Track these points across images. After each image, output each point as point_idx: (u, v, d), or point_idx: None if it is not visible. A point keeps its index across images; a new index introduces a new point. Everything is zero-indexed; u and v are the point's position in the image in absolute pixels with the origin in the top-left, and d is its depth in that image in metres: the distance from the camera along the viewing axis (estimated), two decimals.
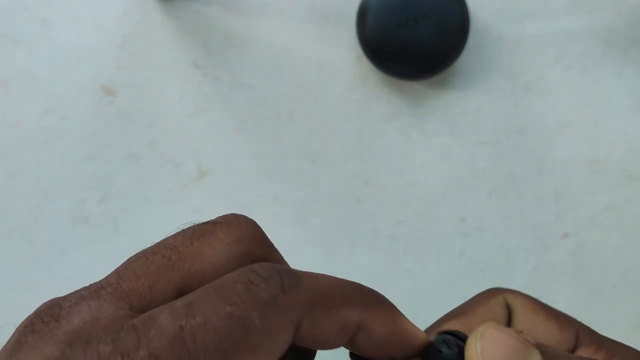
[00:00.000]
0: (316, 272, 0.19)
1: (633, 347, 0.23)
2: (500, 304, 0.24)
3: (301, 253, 0.40)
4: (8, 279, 0.42)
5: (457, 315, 0.24)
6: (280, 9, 0.42)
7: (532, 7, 0.42)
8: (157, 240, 0.20)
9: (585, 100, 0.42)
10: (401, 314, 0.20)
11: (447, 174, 0.42)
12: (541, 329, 0.23)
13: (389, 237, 0.42)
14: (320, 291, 0.18)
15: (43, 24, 0.43)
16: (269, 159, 0.42)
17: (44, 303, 0.18)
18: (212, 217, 0.21)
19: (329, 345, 0.19)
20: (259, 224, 0.21)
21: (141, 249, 0.20)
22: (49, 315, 0.18)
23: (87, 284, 0.19)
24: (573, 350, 0.23)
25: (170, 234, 0.20)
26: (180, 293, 0.18)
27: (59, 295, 0.19)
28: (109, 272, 0.19)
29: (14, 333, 0.18)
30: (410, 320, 0.21)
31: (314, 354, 0.22)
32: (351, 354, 0.21)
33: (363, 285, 0.20)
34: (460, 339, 0.21)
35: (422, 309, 0.24)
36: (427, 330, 0.24)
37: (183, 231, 0.20)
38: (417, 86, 0.42)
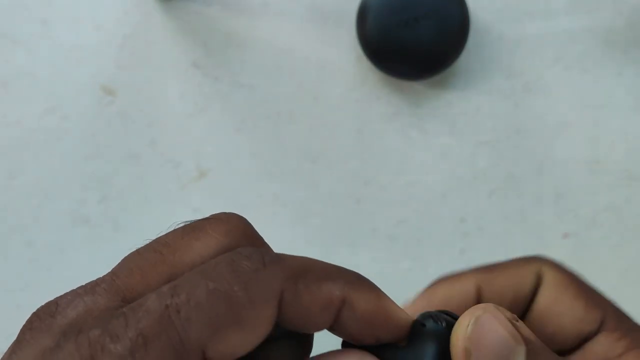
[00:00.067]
0: None
1: None
2: (531, 273, 0.23)
3: (301, 253, 0.40)
4: (8, 279, 0.42)
5: (483, 270, 0.24)
6: (280, 9, 0.42)
7: (532, 7, 0.42)
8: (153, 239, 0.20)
9: (585, 100, 0.42)
10: (386, 295, 0.20)
11: (447, 174, 0.42)
12: (565, 307, 0.22)
13: (389, 237, 0.42)
14: (302, 267, 0.19)
15: (43, 24, 0.43)
16: (269, 159, 0.42)
17: (44, 304, 0.19)
18: None
19: (315, 323, 0.19)
20: (259, 224, 0.21)
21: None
22: (46, 312, 0.18)
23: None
24: (595, 333, 0.22)
25: (164, 232, 0.20)
26: None
27: (58, 296, 0.19)
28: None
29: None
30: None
31: (310, 344, 0.22)
32: (343, 343, 0.21)
33: (346, 268, 0.20)
34: (451, 317, 0.21)
35: None
36: (449, 280, 0.24)
37: (175, 229, 0.20)
38: (417, 86, 0.42)
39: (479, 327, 0.19)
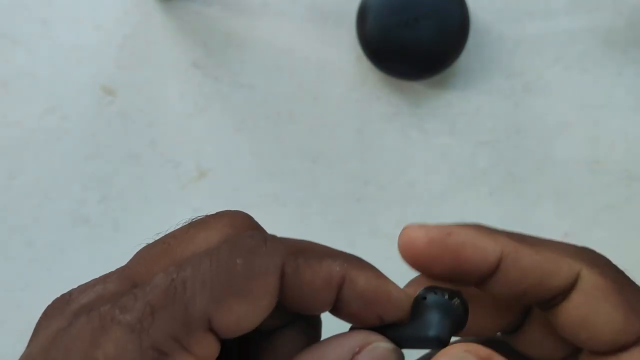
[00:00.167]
0: None
1: None
2: (569, 270, 0.20)
3: None
4: (8, 279, 0.42)
5: (517, 238, 0.22)
6: (280, 9, 0.42)
7: (532, 7, 0.42)
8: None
9: (585, 100, 0.42)
10: (385, 275, 0.20)
11: (447, 174, 0.42)
12: (602, 318, 0.20)
13: (389, 237, 0.42)
14: (302, 245, 0.20)
15: (43, 24, 0.43)
16: (269, 159, 0.42)
17: (58, 296, 0.20)
18: None
19: (317, 301, 0.19)
20: (259, 223, 0.22)
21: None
22: (60, 301, 0.19)
23: None
24: (633, 344, 0.21)
25: (169, 229, 0.21)
26: None
27: (58, 296, 0.20)
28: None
29: None
30: None
31: (317, 331, 0.22)
32: (351, 329, 0.21)
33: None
34: (452, 291, 0.20)
35: None
36: (477, 232, 0.22)
37: (182, 224, 0.21)
38: (417, 86, 0.42)
39: None
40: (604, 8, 0.42)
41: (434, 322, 0.20)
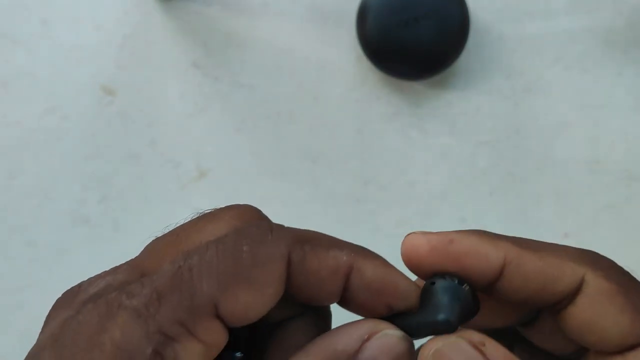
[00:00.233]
0: None
1: None
2: (573, 274, 0.21)
3: None
4: (8, 278, 0.42)
5: (520, 243, 0.21)
6: (280, 9, 0.42)
7: (532, 7, 0.42)
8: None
9: (585, 100, 0.42)
10: (392, 265, 0.20)
11: (447, 174, 0.42)
12: (607, 322, 0.20)
13: (389, 237, 0.42)
14: (308, 235, 0.20)
15: (43, 24, 0.43)
16: (269, 159, 0.42)
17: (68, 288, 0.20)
18: None
19: (325, 291, 0.19)
20: (266, 216, 0.22)
21: (142, 249, 0.21)
22: (69, 293, 0.19)
23: None
24: (638, 345, 0.20)
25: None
26: None
27: (58, 296, 0.20)
28: None
29: None
30: None
31: (327, 322, 0.22)
32: None
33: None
34: (461, 278, 0.20)
35: None
36: (479, 238, 0.21)
37: (192, 217, 0.21)
38: (417, 86, 0.42)
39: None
40: (604, 8, 0.42)
41: (443, 305, 0.20)
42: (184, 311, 0.17)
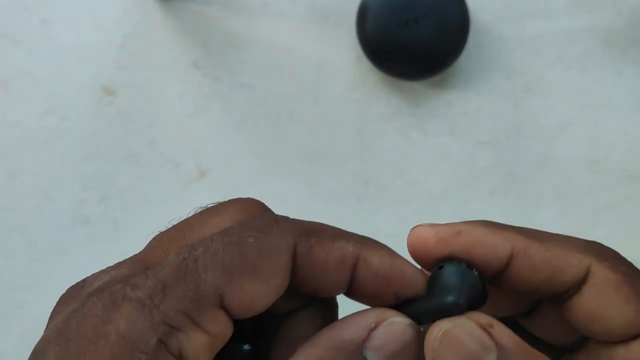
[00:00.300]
0: None
1: None
2: (579, 265, 0.21)
3: None
4: (8, 278, 0.42)
5: (527, 234, 0.22)
6: (280, 9, 0.42)
7: (532, 7, 0.42)
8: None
9: (585, 100, 0.42)
10: (399, 254, 0.20)
11: (447, 174, 0.42)
12: (612, 312, 0.20)
13: (390, 237, 0.42)
14: (314, 226, 0.20)
15: (43, 24, 0.43)
16: (269, 159, 0.42)
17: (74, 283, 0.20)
18: None
19: (331, 282, 0.19)
20: (271, 209, 0.22)
21: (142, 248, 0.21)
22: (75, 288, 0.19)
23: None
24: (639, 337, 0.21)
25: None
26: None
27: (58, 296, 0.20)
28: None
29: None
30: None
31: (333, 313, 0.22)
32: None
33: None
34: (471, 264, 0.20)
35: None
36: (487, 229, 0.21)
37: (196, 211, 0.21)
38: (417, 86, 0.42)
39: (446, 341, 0.19)
40: (604, 8, 0.42)
41: (452, 287, 0.19)
42: (189, 302, 0.17)
